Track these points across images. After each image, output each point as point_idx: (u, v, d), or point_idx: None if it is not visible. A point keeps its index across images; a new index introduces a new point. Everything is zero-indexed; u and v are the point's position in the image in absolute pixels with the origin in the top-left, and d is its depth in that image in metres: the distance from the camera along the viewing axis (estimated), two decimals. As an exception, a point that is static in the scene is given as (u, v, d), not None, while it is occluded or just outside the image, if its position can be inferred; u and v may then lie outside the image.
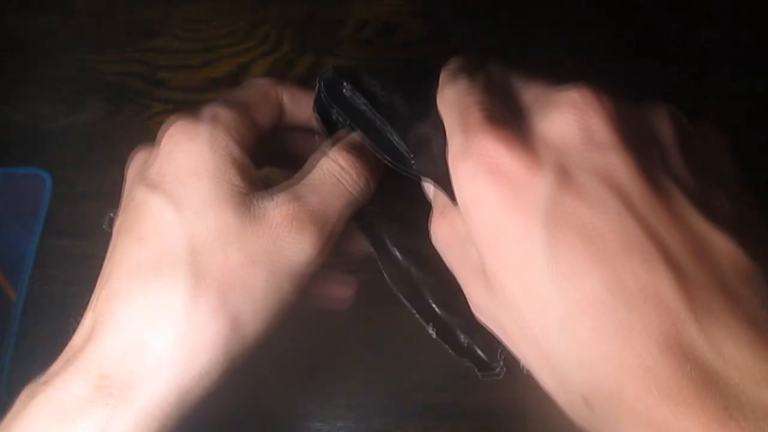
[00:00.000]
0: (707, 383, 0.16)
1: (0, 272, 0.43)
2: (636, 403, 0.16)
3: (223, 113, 0.25)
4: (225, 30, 0.50)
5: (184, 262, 0.22)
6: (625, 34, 0.48)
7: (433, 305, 0.28)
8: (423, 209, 0.25)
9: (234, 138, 0.24)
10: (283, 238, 0.23)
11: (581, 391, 0.18)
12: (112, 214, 0.44)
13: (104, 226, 0.44)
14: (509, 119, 0.20)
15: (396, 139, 0.26)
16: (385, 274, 0.28)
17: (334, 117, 0.28)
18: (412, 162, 0.26)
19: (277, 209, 0.23)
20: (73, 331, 0.24)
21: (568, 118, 0.19)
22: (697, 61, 0.47)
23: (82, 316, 0.24)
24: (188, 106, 0.49)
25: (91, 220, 0.44)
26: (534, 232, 0.18)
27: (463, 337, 0.27)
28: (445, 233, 0.23)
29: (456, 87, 0.23)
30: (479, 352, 0.27)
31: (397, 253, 0.28)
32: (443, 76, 0.24)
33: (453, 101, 0.22)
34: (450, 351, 0.27)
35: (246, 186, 0.23)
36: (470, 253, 0.21)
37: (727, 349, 0.16)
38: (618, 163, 0.18)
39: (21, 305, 0.42)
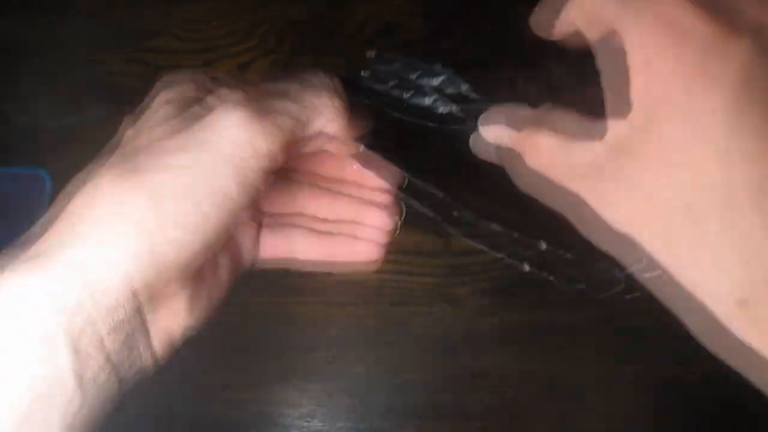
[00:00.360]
0: None
1: (0, 272, 0.43)
2: None
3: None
4: (225, 30, 0.50)
5: (118, 152, 0.23)
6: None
7: (523, 251, 0.26)
8: (475, 167, 0.25)
9: (205, 75, 0.25)
10: (219, 123, 0.22)
11: (736, 289, 0.17)
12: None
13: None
14: None
15: (434, 99, 0.26)
16: (460, 234, 0.26)
17: None
18: (460, 111, 0.26)
19: (223, 99, 0.23)
20: None
21: None
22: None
23: None
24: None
25: (91, 220, 0.44)
26: (718, 105, 0.16)
27: (563, 268, 0.25)
28: (537, 159, 0.21)
29: None
30: (582, 279, 0.25)
31: (468, 214, 0.27)
32: None
33: None
34: (555, 282, 0.25)
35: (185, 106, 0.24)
36: (578, 162, 0.20)
37: None
38: None
39: (21, 305, 0.42)
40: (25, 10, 0.51)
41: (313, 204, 0.30)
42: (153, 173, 0.21)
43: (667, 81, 0.17)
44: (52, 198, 0.44)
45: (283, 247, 0.30)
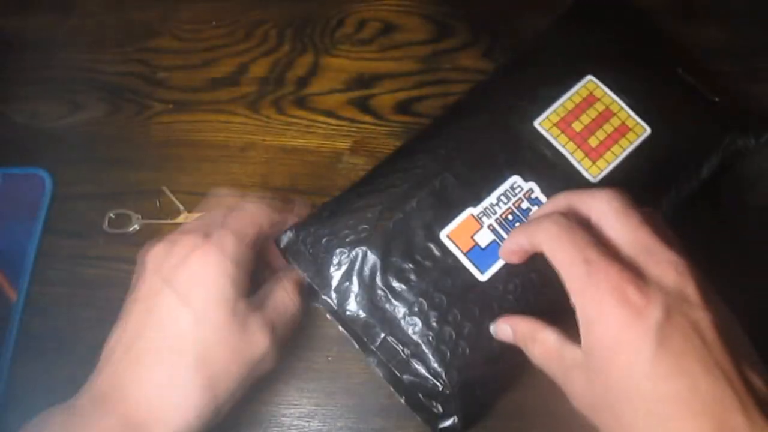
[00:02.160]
0: None
1: (0, 272, 0.43)
2: None
3: (227, 241, 0.33)
4: (225, 30, 0.50)
5: (192, 348, 0.31)
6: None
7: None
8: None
9: (232, 260, 0.33)
10: (254, 342, 0.33)
11: None
12: (112, 215, 0.44)
13: (104, 226, 0.44)
14: (618, 258, 0.28)
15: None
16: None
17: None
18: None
19: (254, 323, 0.33)
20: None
21: (670, 278, 0.27)
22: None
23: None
24: (188, 105, 0.49)
25: (91, 220, 0.44)
26: (645, 346, 0.26)
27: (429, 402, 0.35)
28: (541, 353, 0.31)
29: (556, 221, 0.29)
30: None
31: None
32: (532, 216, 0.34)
33: (560, 235, 0.29)
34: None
35: (235, 295, 0.33)
36: (567, 357, 0.29)
37: None
38: (701, 318, 0.26)
39: (21, 305, 0.42)
40: (25, 10, 0.51)
41: None
42: (215, 378, 0.31)
43: (615, 330, 0.26)
44: (52, 198, 0.44)
45: None
